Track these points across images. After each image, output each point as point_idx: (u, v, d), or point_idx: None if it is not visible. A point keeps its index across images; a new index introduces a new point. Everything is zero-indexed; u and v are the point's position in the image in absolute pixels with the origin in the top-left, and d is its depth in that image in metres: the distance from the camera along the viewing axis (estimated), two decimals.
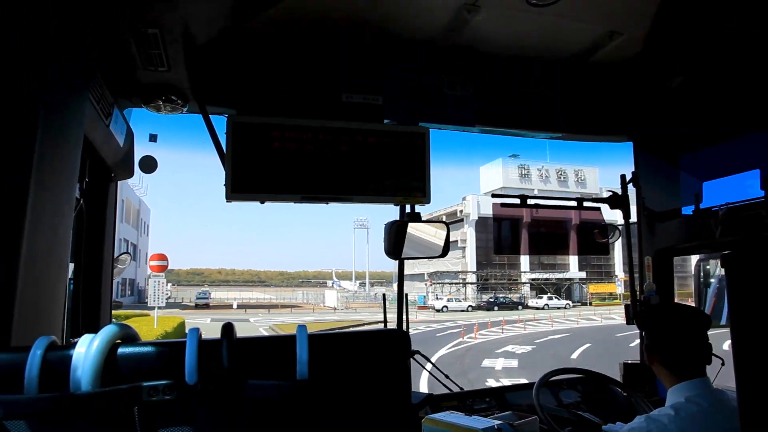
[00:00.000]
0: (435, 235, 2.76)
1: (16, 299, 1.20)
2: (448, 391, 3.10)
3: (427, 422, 1.68)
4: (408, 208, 2.65)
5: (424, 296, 63.38)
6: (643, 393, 2.87)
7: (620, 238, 3.30)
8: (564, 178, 69.17)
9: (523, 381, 3.41)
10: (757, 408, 1.27)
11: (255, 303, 68.24)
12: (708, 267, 3.30)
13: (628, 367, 3.13)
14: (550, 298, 60.77)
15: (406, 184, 2.55)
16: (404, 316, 2.81)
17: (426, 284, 68.09)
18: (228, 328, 0.92)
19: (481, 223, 60.52)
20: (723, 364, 1.98)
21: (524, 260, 64.57)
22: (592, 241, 3.28)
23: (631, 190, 3.19)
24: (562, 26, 2.37)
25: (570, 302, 60.73)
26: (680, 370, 1.94)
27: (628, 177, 3.19)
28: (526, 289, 65.60)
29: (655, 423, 1.82)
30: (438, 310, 53.40)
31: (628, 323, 3.09)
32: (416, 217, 2.66)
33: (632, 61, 2.65)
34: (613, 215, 3.33)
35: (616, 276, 65.86)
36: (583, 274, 66.89)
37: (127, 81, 2.15)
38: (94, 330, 0.94)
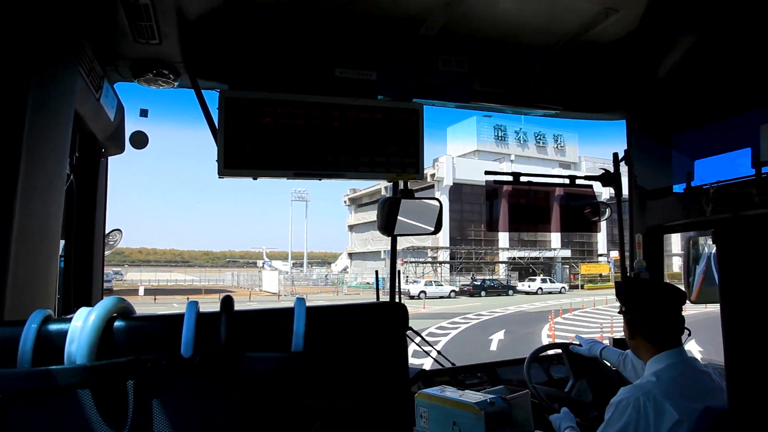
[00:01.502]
0: (428, 211, 2.77)
1: (8, 274, 1.20)
2: (441, 367, 3.14)
3: (421, 397, 1.70)
4: (401, 185, 2.65)
5: (383, 278, 54.46)
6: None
7: (611, 215, 3.32)
8: (543, 143, 63.25)
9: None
10: (744, 378, 1.30)
11: (173, 287, 56.28)
12: (698, 245, 3.33)
13: (617, 342, 3.18)
14: (543, 281, 52.68)
15: (400, 160, 2.55)
16: (397, 292, 2.84)
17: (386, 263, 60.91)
18: (227, 302, 0.93)
19: (454, 190, 54.59)
20: (690, 334, 2.13)
21: (502, 237, 57.67)
22: (582, 217, 3.29)
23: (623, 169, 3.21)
24: (558, 2, 2.35)
25: (565, 285, 53.48)
26: (661, 341, 2.09)
27: (621, 155, 3.20)
28: (505, 269, 57.96)
29: (641, 390, 1.94)
30: (413, 297, 42.17)
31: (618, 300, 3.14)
32: (409, 194, 2.66)
33: (627, 39, 2.64)
34: (600, 191, 3.35)
35: (607, 255, 60.46)
36: (567, 252, 60.16)
37: (117, 54, 2.12)
38: (86, 305, 0.94)
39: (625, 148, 3.25)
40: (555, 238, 60.52)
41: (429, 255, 56.07)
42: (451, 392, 1.70)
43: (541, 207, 3.19)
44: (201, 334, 0.88)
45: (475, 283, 49.93)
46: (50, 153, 1.46)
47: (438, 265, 55.11)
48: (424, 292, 44.19)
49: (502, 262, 57.86)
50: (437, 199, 2.81)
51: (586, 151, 65.17)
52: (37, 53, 1.32)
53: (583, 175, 3.25)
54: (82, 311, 0.86)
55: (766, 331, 1.22)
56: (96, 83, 1.97)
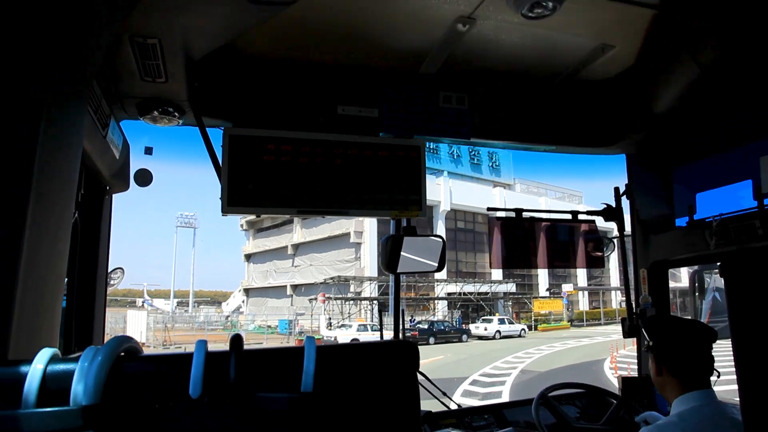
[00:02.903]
0: (431, 247, 2.76)
1: (14, 313, 1.18)
2: (446, 409, 3.07)
3: None
4: (404, 222, 2.65)
5: (289, 321, 41.56)
6: (642, 406, 2.86)
7: (614, 250, 3.31)
8: (478, 160, 55.15)
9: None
10: (759, 413, 1.27)
11: None
12: (703, 279, 3.32)
13: (626, 381, 3.12)
14: (501, 321, 41.68)
15: (403, 197, 2.55)
16: (400, 330, 2.80)
17: (293, 302, 47.60)
18: (236, 341, 0.91)
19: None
20: (719, 376, 2.03)
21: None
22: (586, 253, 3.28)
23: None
24: (556, 39, 2.41)
25: (525, 327, 43.20)
26: (688, 381, 2.00)
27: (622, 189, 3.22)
28: (442, 307, 46.48)
29: None
30: None
31: (625, 337, 3.10)
32: (412, 231, 2.65)
33: (625, 75, 2.69)
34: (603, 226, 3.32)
35: (551, 290, 53.33)
36: (511, 287, 50.02)
37: (124, 92, 2.15)
38: (87, 345, 0.92)
39: (626, 182, 3.27)
40: (496, 270, 49.91)
41: (352, 290, 44.49)
42: None
43: (544, 242, 3.18)
44: (210, 374, 0.86)
45: (421, 326, 37.42)
46: (58, 191, 1.46)
47: (369, 302, 43.40)
48: (356, 339, 28.81)
49: (440, 299, 46.93)
50: (440, 236, 2.80)
51: (520, 173, 62.09)
52: (46, 91, 1.33)
53: (585, 210, 3.25)
54: (90, 350, 0.84)
55: None
56: (103, 121, 1.99)
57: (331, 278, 42.86)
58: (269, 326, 42.79)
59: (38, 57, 1.33)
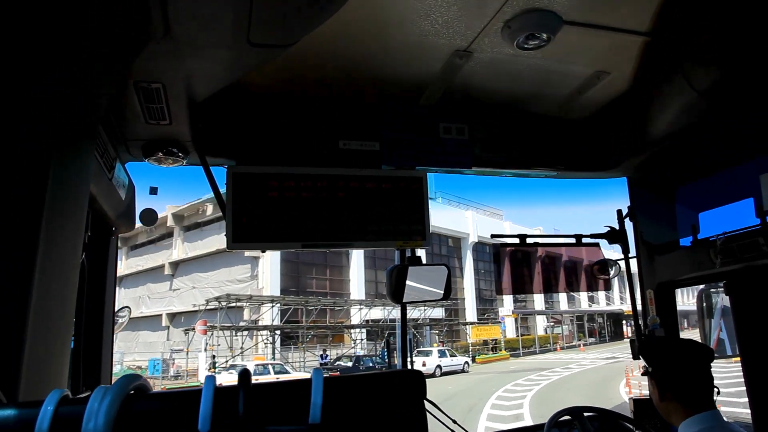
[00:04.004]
0: (436, 277, 2.76)
1: (24, 354, 1.20)
2: None
3: None
4: (408, 252, 2.66)
5: (162, 360, 31.16)
6: (655, 429, 2.82)
7: (619, 272, 3.31)
8: None
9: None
10: None
11: None
12: (710, 298, 3.30)
13: (638, 403, 3.08)
14: (442, 354, 33.48)
15: (407, 228, 2.57)
16: (408, 360, 2.79)
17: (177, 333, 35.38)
18: (244, 375, 0.92)
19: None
20: (719, 393, 2.00)
21: (355, 288, 39.34)
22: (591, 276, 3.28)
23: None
24: (552, 69, 2.45)
25: (468, 360, 36.21)
26: (693, 403, 1.96)
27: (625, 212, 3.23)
28: (361, 338, 37.49)
29: None
30: None
31: (634, 358, 3.08)
32: (417, 261, 2.66)
33: (621, 99, 2.72)
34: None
35: (496, 317, 47.31)
36: (438, 313, 42.22)
37: (129, 134, 2.19)
38: (96, 384, 0.93)
39: (629, 204, 3.28)
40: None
41: (247, 317, 34.04)
42: None
43: (548, 267, 3.18)
44: (219, 409, 0.86)
45: (343, 364, 30.19)
46: (67, 234, 1.48)
47: (270, 333, 33.21)
48: None
49: (354, 326, 37.74)
50: (445, 265, 2.81)
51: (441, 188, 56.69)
52: (54, 137, 1.37)
53: (588, 234, 3.26)
54: (99, 390, 0.85)
55: None
56: (108, 164, 2.03)
57: (216, 299, 30.61)
58: (139, 367, 32.35)
59: (46, 104, 1.37)
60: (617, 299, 63.52)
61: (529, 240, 3.07)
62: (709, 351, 2.05)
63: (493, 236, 3.03)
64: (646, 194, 3.23)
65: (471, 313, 47.58)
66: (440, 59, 2.30)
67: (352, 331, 37.95)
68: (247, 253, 32.79)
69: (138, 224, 2.58)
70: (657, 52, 2.31)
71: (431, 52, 2.25)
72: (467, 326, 44.89)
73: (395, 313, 36.89)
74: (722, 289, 3.13)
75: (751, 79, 2.23)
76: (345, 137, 2.58)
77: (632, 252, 3.25)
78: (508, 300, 49.83)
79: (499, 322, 47.05)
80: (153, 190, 2.61)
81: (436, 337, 42.90)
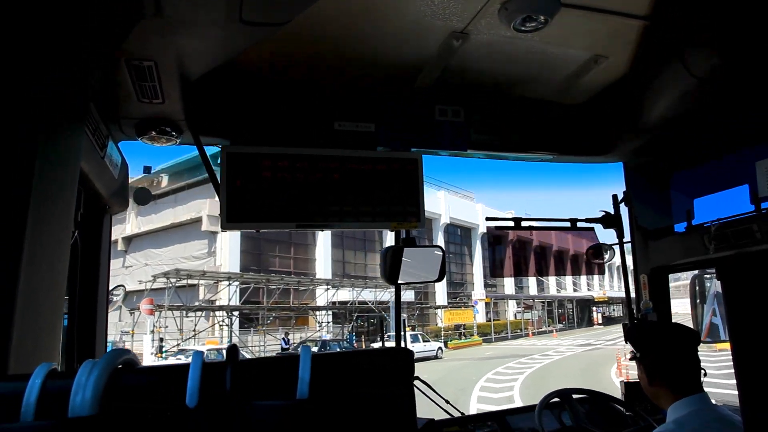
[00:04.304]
0: (430, 258, 2.78)
1: (13, 330, 1.20)
2: (450, 416, 3.07)
3: None
4: (403, 233, 2.66)
5: (111, 342, 25.09)
6: (645, 411, 2.86)
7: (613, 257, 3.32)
8: None
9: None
10: (759, 417, 1.28)
11: None
12: (703, 283, 3.32)
13: (629, 386, 3.11)
14: (414, 339, 32.15)
15: (401, 209, 2.57)
16: (402, 340, 2.81)
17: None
18: (232, 350, 0.93)
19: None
20: (705, 374, 2.02)
21: (321, 267, 37.73)
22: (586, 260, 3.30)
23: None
24: (549, 52, 2.43)
25: (442, 346, 34.84)
26: (680, 387, 1.98)
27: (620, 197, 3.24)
28: (327, 321, 36.01)
29: None
30: None
31: (626, 341, 3.11)
32: (411, 242, 2.67)
33: (619, 84, 2.70)
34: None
35: (456, 298, 46.01)
36: (410, 296, 39.77)
37: (121, 113, 2.18)
38: None
39: (624, 189, 3.28)
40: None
41: (203, 297, 31.13)
42: None
43: (543, 251, 3.20)
44: (206, 384, 0.87)
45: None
46: (57, 211, 1.48)
47: (227, 314, 30.08)
48: None
49: (320, 308, 35.61)
50: (440, 247, 2.82)
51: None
52: (44, 115, 1.36)
53: (584, 218, 3.26)
54: (87, 364, 0.86)
55: None
56: (100, 142, 2.02)
57: (164, 274, 27.39)
58: None
59: (36, 79, 1.36)
60: (584, 285, 63.82)
61: (523, 224, 3.08)
62: (695, 335, 2.08)
63: (487, 219, 3.03)
64: (642, 179, 3.23)
65: (441, 296, 45.71)
66: (436, 41, 2.28)
67: (318, 313, 36.19)
68: (204, 228, 32.77)
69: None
70: (656, 36, 2.29)
71: (427, 33, 2.22)
72: (438, 310, 43.10)
73: (365, 294, 36.85)
74: (715, 274, 3.15)
75: (750, 66, 2.22)
76: (340, 118, 2.57)
77: (627, 237, 3.27)
78: (479, 284, 50.17)
79: (472, 306, 45.33)
80: (146, 170, 2.60)
81: (406, 321, 37.47)
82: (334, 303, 36.51)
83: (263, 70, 2.45)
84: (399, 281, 2.68)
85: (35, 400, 0.83)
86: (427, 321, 43.77)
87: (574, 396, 3.18)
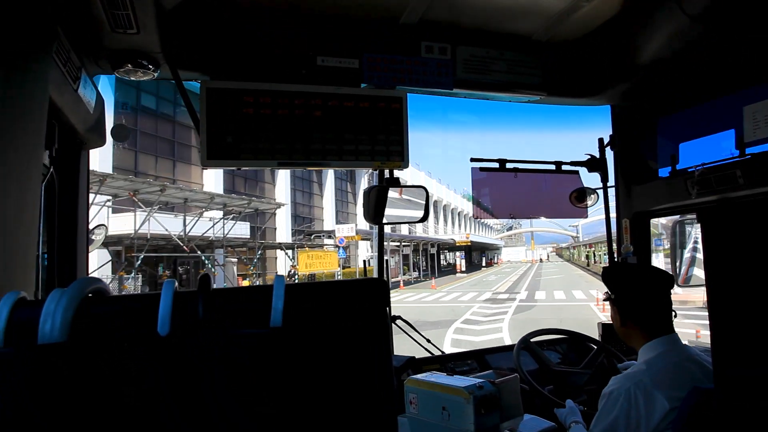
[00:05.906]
0: (414, 197, 2.78)
1: None
2: (430, 355, 3.15)
3: (410, 383, 1.70)
4: (387, 173, 2.64)
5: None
6: (621, 351, 2.94)
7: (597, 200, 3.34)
8: None
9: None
10: (728, 357, 1.31)
11: None
12: (684, 228, 3.36)
13: (606, 327, 3.20)
14: None
15: (385, 148, 2.53)
16: (385, 271, 2.85)
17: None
18: (204, 280, 0.91)
19: None
20: (675, 315, 2.09)
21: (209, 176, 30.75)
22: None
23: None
24: None
25: None
26: (652, 328, 2.04)
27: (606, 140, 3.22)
28: (284, 260, 31.49)
29: (632, 380, 1.90)
30: None
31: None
32: (395, 182, 2.65)
33: (609, 24, 2.63)
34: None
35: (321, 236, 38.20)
36: (243, 230, 28.86)
37: (94, 45, 2.08)
38: None
39: (611, 133, 3.26)
40: (328, 214, 39.86)
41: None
42: (440, 377, 1.70)
43: (526, 192, 3.20)
44: (178, 312, 0.86)
45: None
46: (24, 140, 1.43)
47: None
48: None
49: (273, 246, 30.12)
50: (423, 187, 2.81)
51: None
52: (7, 39, 1.29)
53: (569, 161, 3.25)
54: (56, 292, 0.84)
55: (752, 313, 1.23)
56: (73, 74, 1.93)
57: None
58: None
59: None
60: (441, 229, 62.21)
61: (508, 166, 3.07)
62: (669, 277, 2.11)
63: (472, 160, 3.01)
64: (629, 123, 3.21)
65: (285, 233, 36.46)
66: None
67: None
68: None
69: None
70: None
71: None
72: (289, 251, 32.56)
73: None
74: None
75: (743, 9, 2.16)
76: (323, 53, 2.49)
77: (611, 181, 3.27)
78: (329, 219, 42.85)
79: (337, 246, 34.51)
80: (123, 105, 2.52)
81: (234, 268, 29.81)
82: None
83: (244, 1, 2.35)
84: (383, 221, 2.69)
85: (3, 327, 0.81)
86: (269, 267, 34.64)
87: (552, 336, 3.27)
